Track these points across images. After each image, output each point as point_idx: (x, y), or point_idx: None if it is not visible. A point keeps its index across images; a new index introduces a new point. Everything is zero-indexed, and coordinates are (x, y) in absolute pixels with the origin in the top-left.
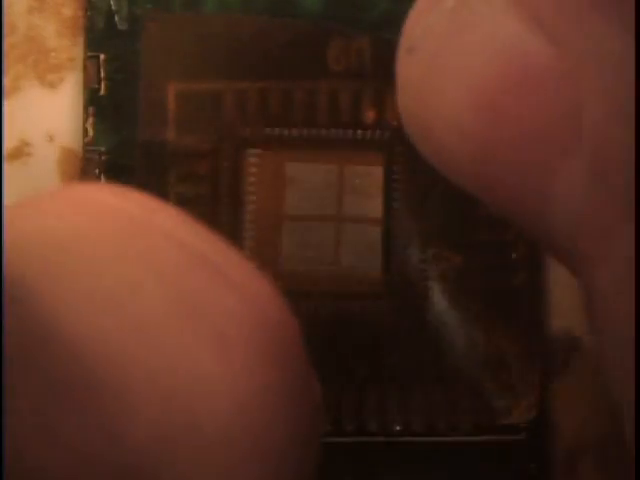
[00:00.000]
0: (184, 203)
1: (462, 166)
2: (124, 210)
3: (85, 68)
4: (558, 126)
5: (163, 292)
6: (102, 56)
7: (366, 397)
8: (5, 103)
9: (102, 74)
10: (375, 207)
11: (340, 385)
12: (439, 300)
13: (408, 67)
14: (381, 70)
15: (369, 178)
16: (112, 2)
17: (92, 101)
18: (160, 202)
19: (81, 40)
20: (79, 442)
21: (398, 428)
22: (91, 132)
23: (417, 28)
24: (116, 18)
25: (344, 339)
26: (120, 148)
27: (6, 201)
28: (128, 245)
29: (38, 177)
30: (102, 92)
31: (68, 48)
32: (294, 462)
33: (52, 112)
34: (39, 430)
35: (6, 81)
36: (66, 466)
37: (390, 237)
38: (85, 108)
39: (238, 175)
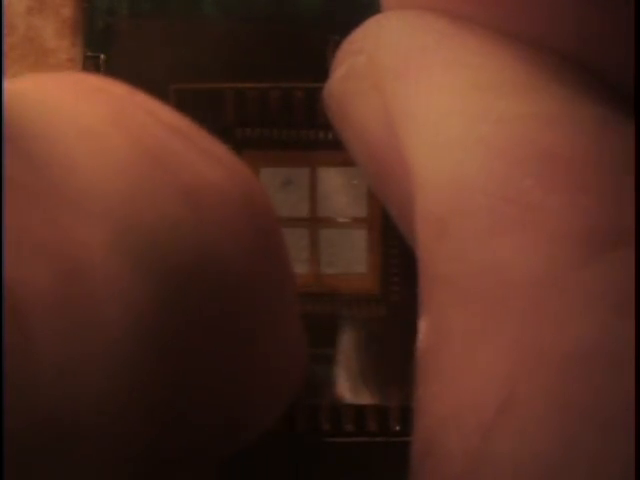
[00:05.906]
0: None
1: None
2: (105, 88)
3: (85, 68)
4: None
5: (128, 145)
6: (102, 56)
7: (366, 397)
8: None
9: (102, 74)
10: (375, 207)
11: (339, 386)
12: None
13: (329, 114)
14: None
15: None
16: (112, 2)
17: None
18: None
19: (81, 40)
20: (34, 230)
21: (398, 428)
22: None
23: (326, 88)
24: (116, 18)
25: (342, 339)
26: None
27: None
28: (102, 108)
29: None
30: None
31: (67, 48)
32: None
33: None
34: None
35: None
36: (17, 249)
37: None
38: None
39: None
